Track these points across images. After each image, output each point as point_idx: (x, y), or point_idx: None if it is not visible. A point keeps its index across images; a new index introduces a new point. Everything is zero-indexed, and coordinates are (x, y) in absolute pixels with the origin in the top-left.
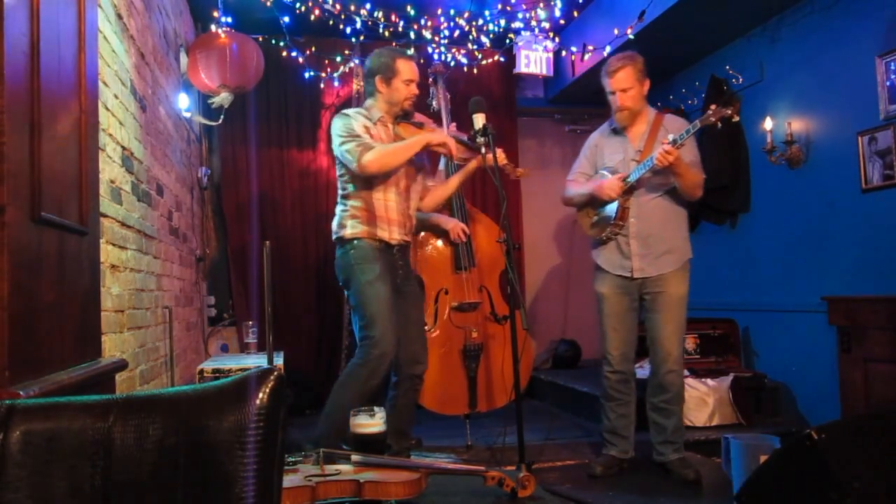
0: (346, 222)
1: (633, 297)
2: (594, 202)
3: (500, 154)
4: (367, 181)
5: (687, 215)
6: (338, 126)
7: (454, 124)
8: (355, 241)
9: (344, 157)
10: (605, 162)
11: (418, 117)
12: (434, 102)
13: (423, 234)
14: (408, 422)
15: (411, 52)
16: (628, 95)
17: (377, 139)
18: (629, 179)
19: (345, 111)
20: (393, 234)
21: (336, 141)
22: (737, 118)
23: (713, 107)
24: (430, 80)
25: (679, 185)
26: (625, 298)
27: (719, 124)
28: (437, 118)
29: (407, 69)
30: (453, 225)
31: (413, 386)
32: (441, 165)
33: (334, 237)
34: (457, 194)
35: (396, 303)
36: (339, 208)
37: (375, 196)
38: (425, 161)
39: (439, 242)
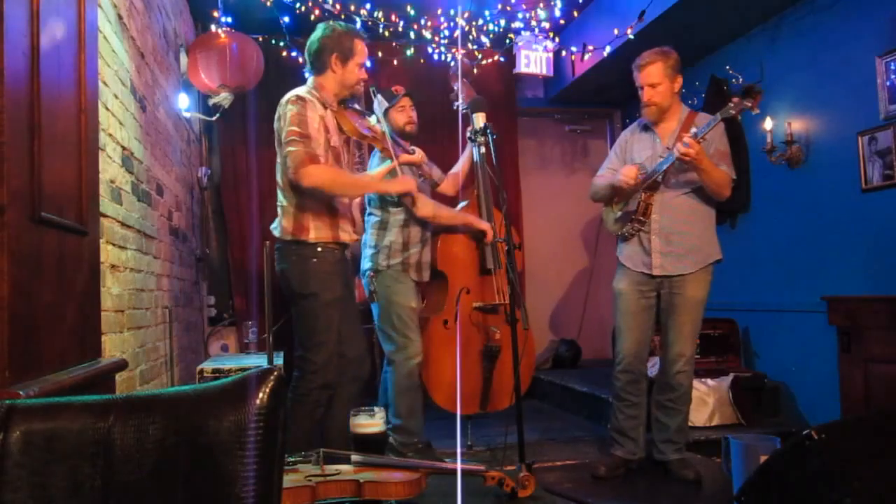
0: (307, 223)
1: (651, 296)
2: (619, 196)
3: (419, 154)
4: None
5: (715, 215)
6: (293, 112)
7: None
8: (319, 248)
9: (285, 158)
10: (633, 158)
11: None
12: (462, 98)
13: (448, 231)
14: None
15: (409, 52)
16: (656, 91)
17: (332, 133)
18: (649, 169)
19: (301, 95)
20: (351, 234)
21: (285, 133)
22: (757, 111)
23: (735, 99)
24: (452, 73)
25: (703, 181)
26: (641, 296)
27: (739, 117)
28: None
29: (362, 51)
30: (487, 226)
31: (359, 389)
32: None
33: (288, 238)
34: (485, 193)
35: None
36: (290, 202)
37: None
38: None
39: (467, 241)
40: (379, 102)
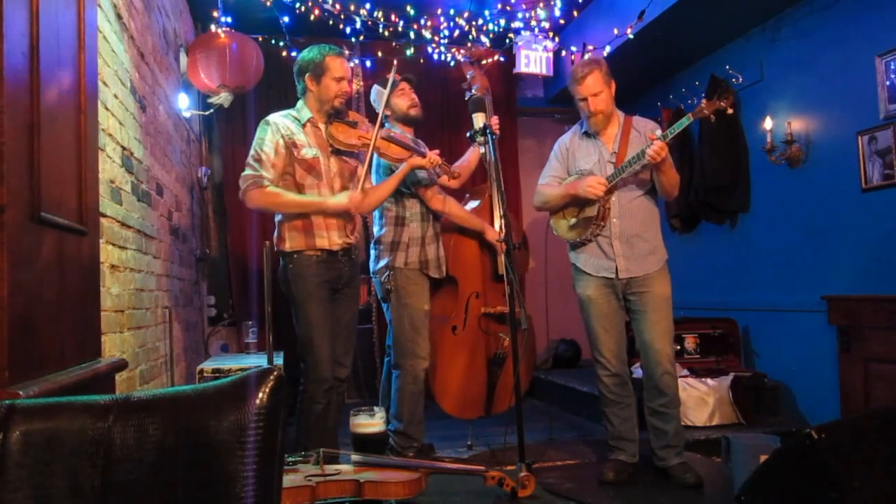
0: (284, 235)
1: (619, 297)
2: (573, 204)
3: (435, 155)
4: (297, 187)
5: (659, 216)
6: (257, 136)
7: (496, 117)
8: (294, 255)
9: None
10: (578, 165)
11: (352, 116)
12: (475, 90)
13: (462, 234)
14: (333, 428)
15: (409, 52)
16: (600, 99)
17: (301, 146)
18: (613, 179)
19: (268, 118)
20: (333, 239)
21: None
22: (731, 111)
23: (705, 100)
24: (465, 62)
25: (661, 182)
26: (612, 298)
27: (713, 117)
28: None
29: (337, 66)
30: (494, 236)
31: (335, 389)
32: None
33: (276, 249)
34: (500, 197)
35: (331, 308)
36: (276, 217)
37: None
38: (360, 157)
39: (481, 245)
40: (377, 93)
